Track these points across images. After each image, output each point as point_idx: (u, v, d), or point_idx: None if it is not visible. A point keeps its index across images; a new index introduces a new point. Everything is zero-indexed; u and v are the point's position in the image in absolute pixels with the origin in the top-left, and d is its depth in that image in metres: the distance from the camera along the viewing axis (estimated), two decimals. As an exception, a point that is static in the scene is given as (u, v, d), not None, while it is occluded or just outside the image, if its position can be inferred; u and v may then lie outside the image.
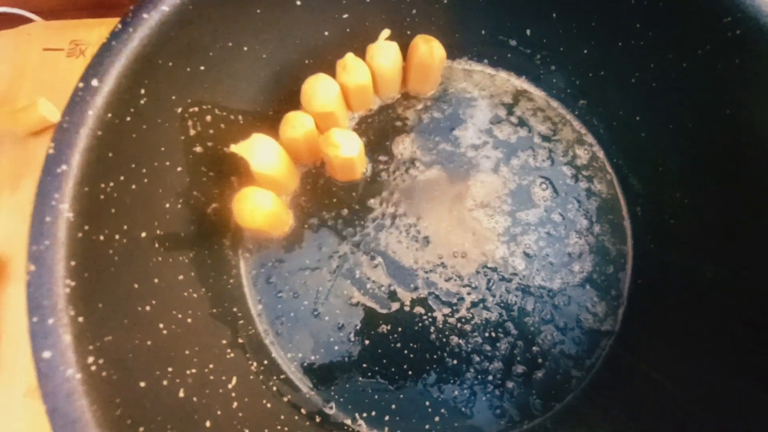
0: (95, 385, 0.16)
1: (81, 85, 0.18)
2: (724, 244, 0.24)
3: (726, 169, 0.24)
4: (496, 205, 0.29)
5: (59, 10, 0.38)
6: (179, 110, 0.23)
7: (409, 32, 0.28)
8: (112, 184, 0.19)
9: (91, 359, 0.16)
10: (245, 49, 0.25)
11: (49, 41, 0.36)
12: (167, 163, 0.23)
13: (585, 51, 0.28)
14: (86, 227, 0.18)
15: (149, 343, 0.19)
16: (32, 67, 0.35)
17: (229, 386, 0.22)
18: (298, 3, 0.25)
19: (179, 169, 0.24)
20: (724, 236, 0.24)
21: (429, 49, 0.27)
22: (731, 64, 0.22)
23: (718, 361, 0.23)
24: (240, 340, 0.25)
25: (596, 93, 0.29)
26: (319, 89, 0.25)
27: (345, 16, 0.27)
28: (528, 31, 0.29)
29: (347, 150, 0.25)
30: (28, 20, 0.37)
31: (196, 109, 0.24)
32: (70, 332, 0.16)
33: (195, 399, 0.20)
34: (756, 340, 0.22)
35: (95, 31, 0.36)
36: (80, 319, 0.16)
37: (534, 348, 0.26)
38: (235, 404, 0.22)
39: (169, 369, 0.19)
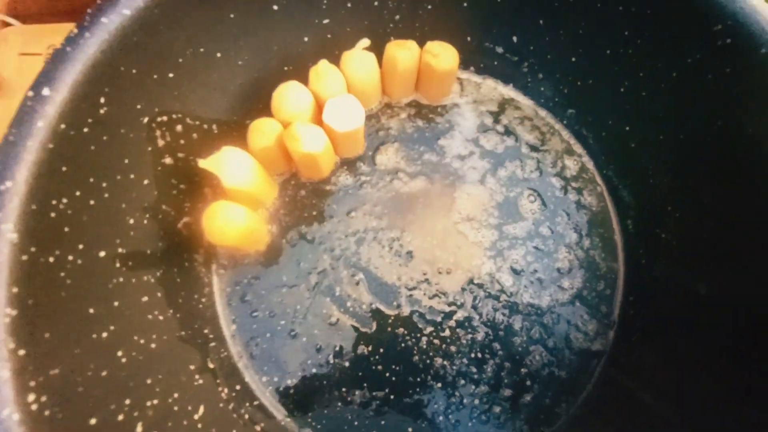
0: (35, 427, 0.14)
1: (30, 94, 0.17)
2: (717, 258, 0.23)
3: (718, 181, 0.23)
4: (483, 218, 0.28)
5: (38, 14, 0.37)
6: (146, 120, 0.22)
7: (392, 38, 0.27)
8: (65, 200, 0.18)
9: (32, 396, 0.15)
10: (219, 55, 0.24)
11: (27, 46, 0.35)
12: (132, 176, 0.21)
13: (573, 59, 0.27)
14: (32, 249, 0.16)
15: (104, 373, 0.18)
16: (8, 71, 0.34)
17: (196, 417, 0.21)
18: (275, 8, 0.24)
19: (146, 182, 0.22)
20: (717, 251, 0.23)
21: (405, 52, 0.26)
22: (722, 73, 0.21)
23: (714, 381, 0.22)
24: (210, 365, 0.23)
25: (585, 102, 0.28)
26: (290, 97, 0.24)
27: (326, 21, 0.26)
28: (515, 38, 0.28)
29: (310, 145, 0.23)
30: (5, 24, 0.36)
31: (165, 118, 0.23)
32: (9, 368, 0.14)
33: (155, 433, 0.18)
34: (752, 360, 0.21)
35: (72, 35, 0.35)
36: (21, 352, 0.15)
37: (522, 370, 0.25)
38: (201, 436, 0.20)
39: (127, 401, 0.18)
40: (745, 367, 0.21)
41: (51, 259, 0.17)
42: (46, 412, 0.15)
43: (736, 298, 0.22)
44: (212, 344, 0.24)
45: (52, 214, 0.17)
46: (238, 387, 0.24)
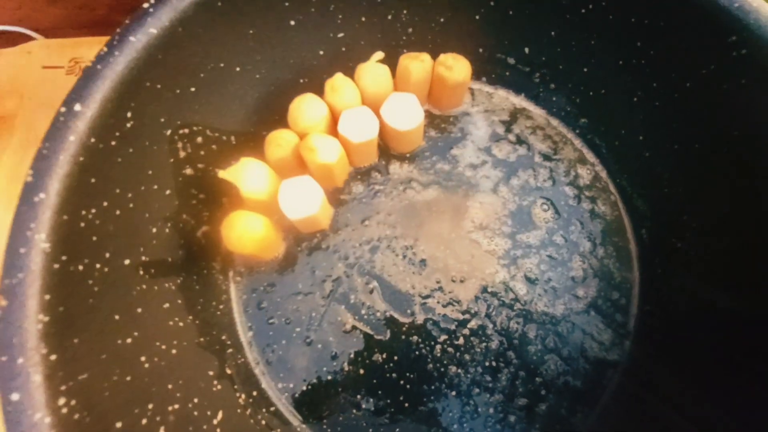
0: (65, 429, 0.15)
1: (63, 110, 0.18)
2: (735, 270, 0.23)
3: (735, 191, 0.23)
4: (496, 227, 0.28)
5: (60, 28, 0.38)
6: (168, 132, 0.22)
7: (405, 51, 0.28)
8: (94, 210, 0.18)
9: (62, 401, 0.15)
10: (237, 69, 0.25)
11: (49, 59, 0.37)
12: (155, 187, 0.22)
13: (585, 69, 0.27)
14: (64, 258, 0.17)
15: (129, 378, 0.18)
16: (32, 85, 0.35)
17: (215, 422, 0.21)
18: (292, 23, 0.25)
19: (167, 192, 0.23)
20: (735, 262, 0.23)
21: (418, 64, 0.26)
22: (737, 83, 0.21)
23: (732, 395, 0.21)
24: (228, 371, 0.24)
25: (597, 112, 0.29)
26: (306, 109, 0.25)
27: (340, 35, 0.27)
28: (526, 50, 0.28)
29: (325, 155, 0.24)
30: (29, 38, 0.37)
31: (186, 130, 0.24)
32: (41, 372, 0.15)
33: (176, 438, 0.19)
34: (772, 374, 0.20)
35: (95, 48, 0.35)
36: (53, 357, 0.15)
37: (537, 379, 0.25)
38: (220, 442, 0.21)
39: (150, 406, 0.18)
40: (763, 381, 0.20)
41: (80, 268, 0.18)
42: (75, 416, 0.15)
43: (755, 312, 0.22)
44: (229, 351, 0.25)
45: (82, 224, 0.18)
46: (254, 393, 0.24)
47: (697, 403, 0.22)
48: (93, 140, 0.18)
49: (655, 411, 0.23)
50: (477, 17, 0.27)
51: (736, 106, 0.21)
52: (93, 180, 0.18)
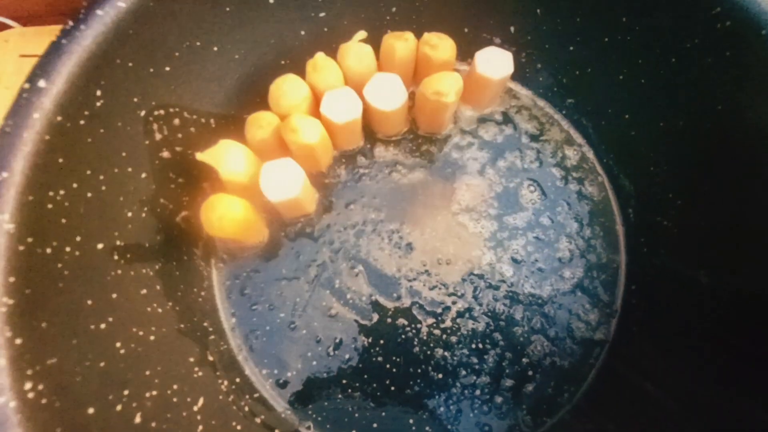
0: (32, 414, 0.14)
1: (26, 86, 0.17)
2: (718, 247, 0.23)
3: (719, 168, 0.23)
4: (483, 209, 0.28)
5: (38, 15, 0.37)
6: (143, 113, 0.22)
7: (389, 30, 0.27)
8: (62, 192, 0.18)
9: (29, 385, 0.15)
10: (215, 49, 0.24)
11: (27, 47, 0.36)
12: (129, 169, 0.21)
13: (571, 48, 0.27)
14: (29, 239, 0.16)
15: (102, 364, 0.18)
16: (9, 73, 0.35)
17: (195, 408, 0.21)
18: (272, 1, 0.24)
19: (143, 175, 0.22)
20: (718, 239, 0.23)
21: (402, 44, 0.26)
22: (721, 57, 0.21)
23: (715, 372, 0.21)
24: (210, 358, 0.23)
25: (584, 91, 0.28)
26: (287, 90, 0.24)
27: (322, 14, 0.26)
28: (512, 29, 0.28)
29: (307, 136, 0.23)
30: (6, 27, 0.36)
31: (162, 112, 0.23)
32: (6, 356, 0.14)
33: (154, 424, 0.18)
34: (753, 351, 0.20)
35: (71, 35, 0.35)
36: (18, 340, 0.15)
37: (523, 360, 0.25)
38: (200, 428, 0.20)
39: (125, 392, 0.18)
40: (745, 357, 0.21)
41: (48, 250, 0.17)
42: (43, 401, 0.15)
43: (737, 288, 0.22)
44: (212, 337, 0.24)
45: (49, 206, 0.17)
46: (237, 380, 0.24)
47: (681, 379, 0.22)
48: (60, 118, 0.18)
49: (640, 388, 0.23)
50: (461, -5, 0.27)
51: (721, 79, 0.21)
52: (61, 160, 0.18)
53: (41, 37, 0.35)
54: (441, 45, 0.26)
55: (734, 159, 0.22)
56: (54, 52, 0.18)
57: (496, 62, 0.26)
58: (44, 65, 0.18)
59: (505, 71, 0.26)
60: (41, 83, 0.17)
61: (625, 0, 0.23)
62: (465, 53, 0.30)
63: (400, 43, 0.26)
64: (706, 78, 0.22)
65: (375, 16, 0.27)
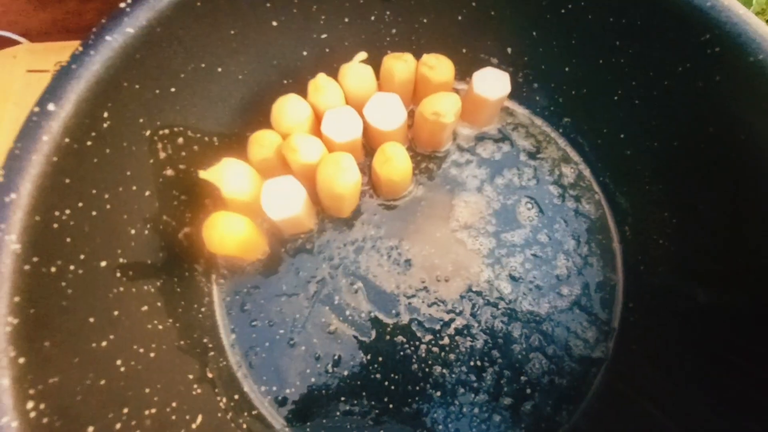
0: (33, 435, 0.14)
1: (36, 109, 0.18)
2: (714, 265, 0.23)
3: (713, 186, 0.23)
4: (481, 226, 0.28)
5: (47, 33, 0.38)
6: (148, 133, 0.22)
7: (389, 51, 0.28)
8: (68, 211, 0.18)
9: (31, 404, 0.15)
10: (219, 70, 0.25)
11: (34, 63, 0.37)
12: (134, 188, 0.22)
13: (567, 69, 0.27)
14: (35, 259, 0.16)
15: (103, 382, 0.18)
16: (17, 89, 0.35)
17: (193, 426, 0.21)
18: (275, 23, 0.25)
19: (147, 193, 0.23)
20: (714, 257, 0.23)
21: (402, 64, 0.26)
22: (712, 80, 0.21)
23: (712, 391, 0.21)
24: (209, 374, 0.23)
25: (580, 111, 0.29)
26: (289, 110, 0.24)
27: (323, 36, 0.27)
28: (509, 50, 0.29)
29: (307, 155, 0.24)
30: (15, 42, 0.37)
31: (167, 131, 0.23)
32: (9, 376, 0.15)
33: (153, 443, 0.18)
34: (753, 370, 0.20)
35: (79, 53, 0.36)
36: (21, 360, 0.15)
37: (522, 378, 0.25)
38: (198, 446, 0.20)
39: (125, 410, 0.18)
40: (744, 376, 0.21)
41: (53, 270, 0.17)
42: (45, 420, 0.15)
43: (735, 306, 0.22)
44: (211, 353, 0.24)
45: (55, 225, 0.18)
46: (236, 396, 0.24)
47: (679, 398, 0.22)
48: (67, 140, 0.18)
49: (639, 408, 0.23)
50: (459, 18, 0.27)
51: (711, 102, 0.22)
52: (67, 180, 0.18)
53: (49, 53, 0.36)
54: (439, 66, 0.27)
55: (728, 178, 0.22)
56: (63, 76, 0.18)
57: (493, 82, 0.26)
58: (54, 89, 0.18)
59: (502, 91, 0.26)
60: (50, 107, 0.18)
61: (617, 25, 0.23)
62: (463, 73, 0.31)
63: (400, 64, 0.27)
64: (698, 100, 0.22)
65: (375, 37, 0.28)
